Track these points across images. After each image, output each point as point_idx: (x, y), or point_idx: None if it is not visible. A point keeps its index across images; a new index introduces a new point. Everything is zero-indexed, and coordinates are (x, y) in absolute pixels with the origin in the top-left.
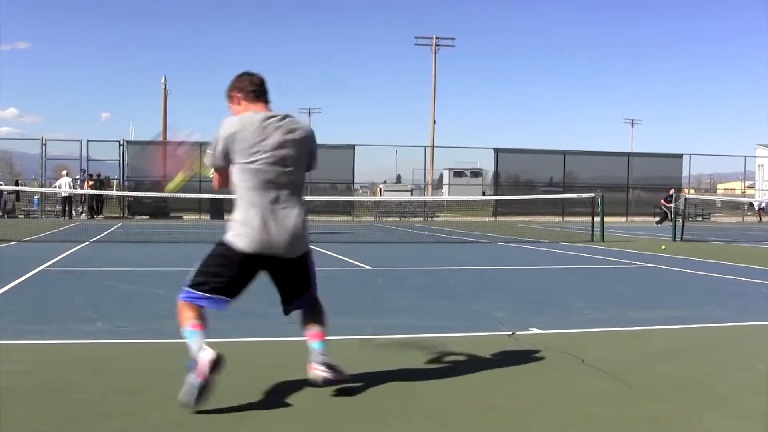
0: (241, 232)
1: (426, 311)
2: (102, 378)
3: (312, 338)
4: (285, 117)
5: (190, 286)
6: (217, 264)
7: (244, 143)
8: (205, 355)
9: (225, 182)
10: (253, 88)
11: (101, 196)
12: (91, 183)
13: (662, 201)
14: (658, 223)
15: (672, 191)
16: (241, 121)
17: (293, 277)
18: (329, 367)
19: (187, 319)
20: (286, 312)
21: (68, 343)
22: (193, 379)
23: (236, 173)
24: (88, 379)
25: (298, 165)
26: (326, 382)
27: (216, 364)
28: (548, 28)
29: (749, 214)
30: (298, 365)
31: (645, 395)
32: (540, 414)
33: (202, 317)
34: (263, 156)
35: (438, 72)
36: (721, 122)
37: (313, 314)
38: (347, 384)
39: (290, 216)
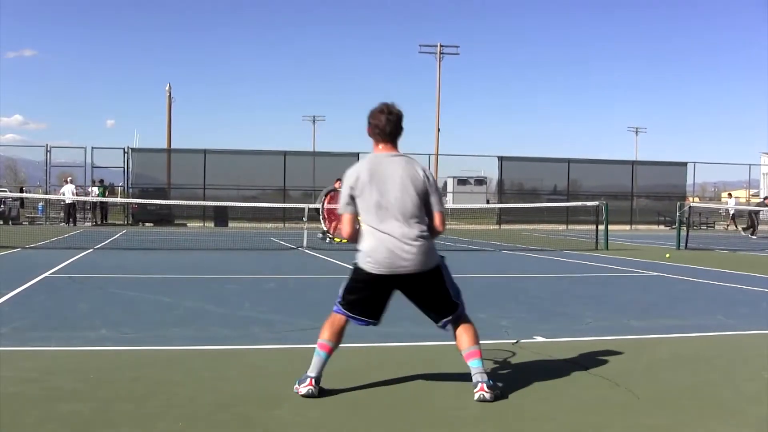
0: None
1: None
2: (107, 385)
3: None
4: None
5: None
6: None
7: None
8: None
9: None
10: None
11: (105, 203)
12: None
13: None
14: (745, 230)
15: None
16: None
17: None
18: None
19: None
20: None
21: (73, 350)
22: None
23: None
24: (94, 386)
25: None
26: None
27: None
28: (552, 36)
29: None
30: (302, 372)
31: (651, 404)
32: (545, 422)
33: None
34: None
35: (442, 80)
36: (725, 130)
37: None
38: (357, 390)
39: None
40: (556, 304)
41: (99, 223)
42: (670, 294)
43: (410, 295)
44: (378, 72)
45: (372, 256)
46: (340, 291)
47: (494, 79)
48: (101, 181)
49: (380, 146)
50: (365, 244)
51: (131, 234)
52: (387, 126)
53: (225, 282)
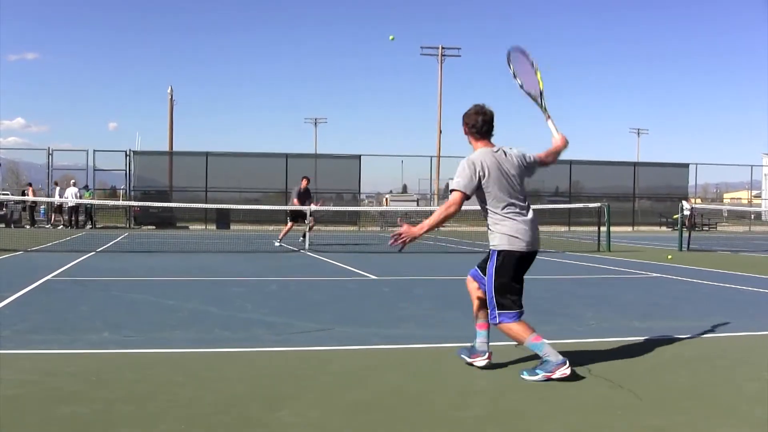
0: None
1: (433, 321)
2: (109, 387)
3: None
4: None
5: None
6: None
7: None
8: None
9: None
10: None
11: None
12: (31, 191)
13: None
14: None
15: None
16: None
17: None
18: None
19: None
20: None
21: (75, 352)
22: (544, 374)
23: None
24: (95, 388)
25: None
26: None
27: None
28: (553, 38)
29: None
30: (305, 374)
31: (653, 405)
32: (548, 423)
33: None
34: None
35: (444, 82)
36: (727, 132)
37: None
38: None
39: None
40: (557, 305)
41: (82, 226)
42: (672, 295)
43: (525, 273)
44: (379, 74)
45: (521, 237)
46: (495, 301)
47: (495, 80)
48: (86, 186)
49: (479, 143)
50: (507, 228)
51: (133, 237)
52: (483, 126)
53: (227, 284)
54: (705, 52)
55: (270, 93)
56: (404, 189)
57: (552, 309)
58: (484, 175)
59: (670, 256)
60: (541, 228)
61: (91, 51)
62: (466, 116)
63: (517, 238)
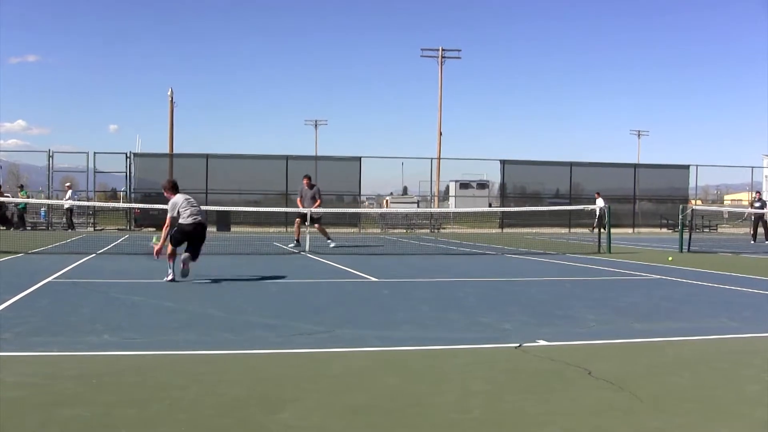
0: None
1: (433, 323)
2: (109, 390)
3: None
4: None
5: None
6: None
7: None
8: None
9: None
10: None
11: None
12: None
13: None
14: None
15: None
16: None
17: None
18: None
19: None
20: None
21: (76, 354)
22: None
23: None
24: (96, 391)
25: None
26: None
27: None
28: (555, 40)
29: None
30: (306, 376)
31: (654, 407)
32: (548, 426)
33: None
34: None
35: (444, 84)
36: (728, 133)
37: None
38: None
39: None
40: (558, 308)
41: (23, 228)
42: (673, 297)
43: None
44: (380, 76)
45: (186, 225)
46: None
47: (496, 82)
48: (20, 186)
49: (177, 192)
50: (183, 221)
51: (133, 239)
52: (175, 188)
53: (227, 286)
54: (705, 53)
55: (270, 95)
56: (405, 191)
57: (553, 311)
58: (181, 203)
59: (670, 258)
60: (541, 230)
61: (92, 54)
62: (165, 183)
63: (185, 224)
